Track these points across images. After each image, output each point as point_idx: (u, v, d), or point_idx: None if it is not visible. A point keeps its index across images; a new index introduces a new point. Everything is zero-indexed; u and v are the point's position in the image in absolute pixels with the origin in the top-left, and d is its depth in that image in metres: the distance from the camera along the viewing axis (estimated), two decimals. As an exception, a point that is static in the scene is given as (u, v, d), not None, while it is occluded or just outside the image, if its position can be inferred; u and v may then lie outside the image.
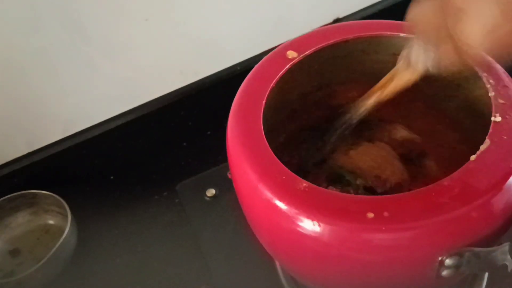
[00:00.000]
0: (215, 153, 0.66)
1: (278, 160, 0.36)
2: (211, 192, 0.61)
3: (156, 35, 0.59)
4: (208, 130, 0.70)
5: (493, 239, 0.34)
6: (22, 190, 0.59)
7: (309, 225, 0.33)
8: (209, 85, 0.66)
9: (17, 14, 0.51)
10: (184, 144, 0.69)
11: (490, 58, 0.37)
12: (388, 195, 0.34)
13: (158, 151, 0.68)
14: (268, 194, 0.35)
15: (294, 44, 0.45)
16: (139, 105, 0.64)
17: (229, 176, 0.42)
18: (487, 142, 0.35)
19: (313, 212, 0.33)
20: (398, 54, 0.46)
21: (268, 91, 0.41)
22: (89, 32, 0.55)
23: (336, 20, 0.70)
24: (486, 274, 0.49)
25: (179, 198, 0.62)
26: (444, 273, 0.34)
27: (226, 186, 0.61)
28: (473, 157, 0.34)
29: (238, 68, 0.66)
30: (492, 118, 0.36)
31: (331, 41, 0.44)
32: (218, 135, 0.69)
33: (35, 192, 0.59)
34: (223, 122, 0.69)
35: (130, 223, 0.61)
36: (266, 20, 0.65)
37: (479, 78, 0.39)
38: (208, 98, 0.66)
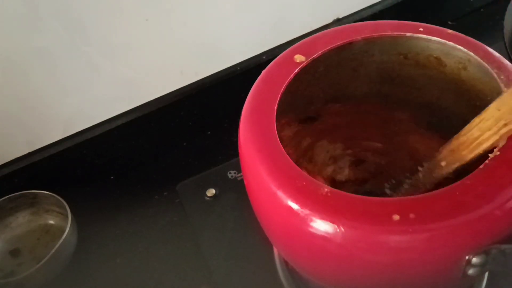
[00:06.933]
0: (215, 153, 0.67)
1: (296, 166, 0.36)
2: (211, 192, 0.61)
3: (156, 35, 0.59)
4: (208, 130, 0.70)
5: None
6: (23, 190, 0.59)
7: (334, 230, 0.33)
8: (209, 85, 0.66)
9: (17, 14, 0.51)
10: (184, 144, 0.69)
11: None
12: (412, 197, 0.33)
13: (158, 151, 0.69)
14: (289, 200, 0.34)
15: (301, 47, 0.44)
16: (139, 105, 0.64)
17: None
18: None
19: (338, 217, 0.33)
20: (404, 54, 0.45)
21: (279, 96, 0.41)
22: (89, 32, 0.55)
23: (336, 20, 0.70)
24: (486, 274, 0.49)
25: (179, 198, 0.62)
26: (470, 271, 0.33)
27: (226, 186, 0.61)
28: (492, 155, 0.34)
29: (238, 68, 0.66)
30: None
31: (336, 44, 0.44)
32: (218, 135, 0.70)
33: (35, 192, 0.59)
34: (223, 122, 0.70)
35: (130, 223, 0.62)
36: (266, 20, 0.65)
37: (492, 76, 0.39)
38: (208, 98, 0.67)
